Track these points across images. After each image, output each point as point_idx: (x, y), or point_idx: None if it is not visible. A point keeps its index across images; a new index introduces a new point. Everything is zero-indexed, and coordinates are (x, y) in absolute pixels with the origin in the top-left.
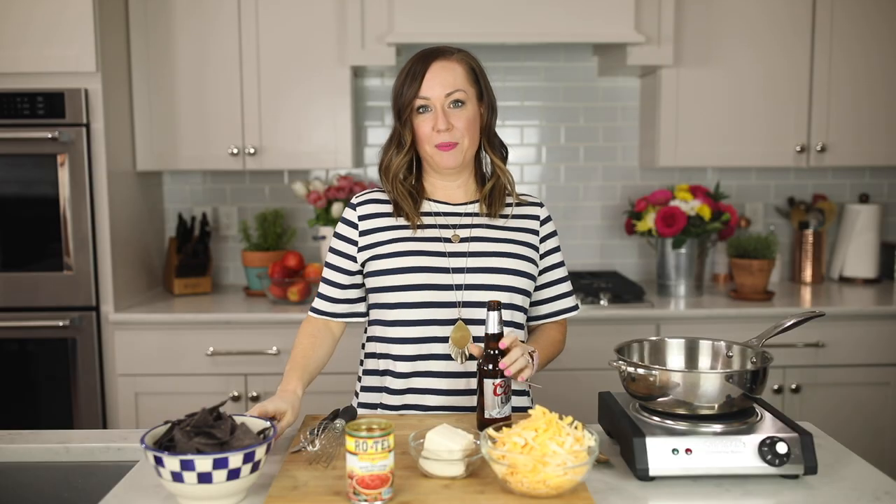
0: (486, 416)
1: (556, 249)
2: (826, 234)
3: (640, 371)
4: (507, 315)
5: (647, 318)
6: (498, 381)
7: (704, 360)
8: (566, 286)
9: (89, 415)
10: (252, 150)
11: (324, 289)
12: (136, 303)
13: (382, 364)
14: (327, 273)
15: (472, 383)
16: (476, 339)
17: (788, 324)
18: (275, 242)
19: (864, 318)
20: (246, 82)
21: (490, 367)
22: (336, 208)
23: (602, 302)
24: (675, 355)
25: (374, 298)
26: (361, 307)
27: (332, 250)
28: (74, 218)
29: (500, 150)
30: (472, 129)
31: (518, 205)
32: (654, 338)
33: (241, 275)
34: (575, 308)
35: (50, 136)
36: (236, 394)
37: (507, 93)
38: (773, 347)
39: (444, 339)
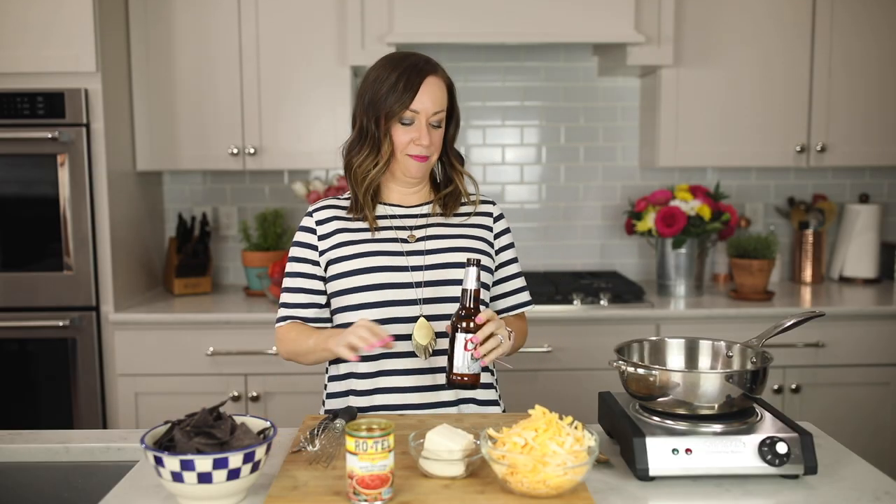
0: (455, 372)
1: (511, 246)
2: (826, 234)
3: (641, 371)
4: None
5: (647, 318)
6: (470, 336)
7: (704, 360)
8: (521, 281)
9: (89, 415)
10: (252, 150)
11: (288, 297)
12: (136, 303)
13: (344, 367)
14: (291, 282)
15: (438, 379)
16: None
17: (788, 324)
18: (275, 242)
19: (864, 318)
20: (246, 82)
21: (464, 323)
22: None
23: (602, 302)
24: (675, 355)
25: (337, 302)
26: (326, 313)
27: (294, 259)
28: (74, 218)
29: (459, 158)
30: (440, 146)
31: (471, 203)
32: (654, 338)
33: (241, 275)
34: (531, 302)
35: (50, 136)
36: (236, 394)
37: (507, 93)
38: (773, 347)
39: (407, 337)
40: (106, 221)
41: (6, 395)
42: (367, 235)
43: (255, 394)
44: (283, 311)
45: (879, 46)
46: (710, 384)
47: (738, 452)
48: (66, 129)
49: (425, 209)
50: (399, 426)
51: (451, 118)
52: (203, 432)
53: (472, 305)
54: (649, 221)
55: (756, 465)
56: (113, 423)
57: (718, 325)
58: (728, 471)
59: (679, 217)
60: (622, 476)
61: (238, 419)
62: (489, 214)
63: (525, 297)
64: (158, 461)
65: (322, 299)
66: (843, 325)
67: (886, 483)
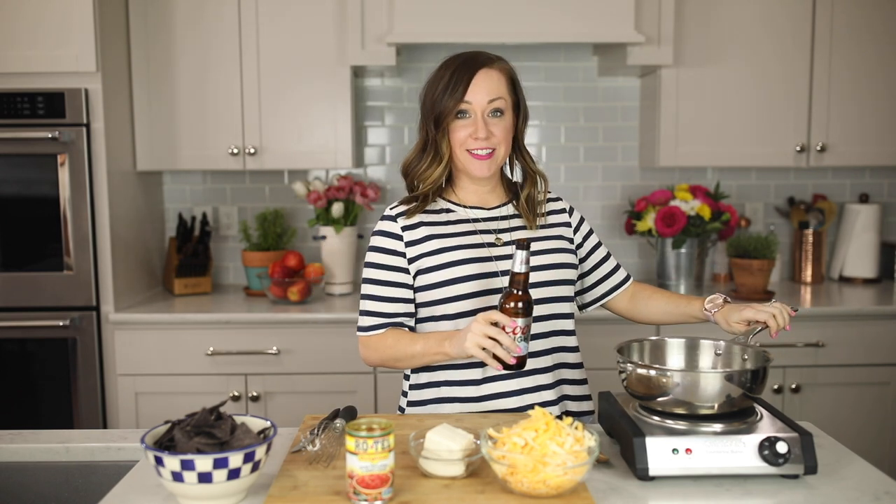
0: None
1: (592, 232)
2: (826, 234)
3: (652, 372)
4: (560, 307)
5: None
6: (520, 321)
7: (705, 360)
8: (615, 261)
9: (89, 415)
10: (252, 150)
11: (376, 305)
12: (136, 303)
13: (441, 375)
14: (377, 289)
15: (540, 379)
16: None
17: (744, 350)
18: (275, 242)
19: (864, 318)
20: (246, 82)
21: (511, 304)
22: (336, 208)
23: None
24: (675, 355)
25: (427, 312)
26: (411, 322)
27: (376, 265)
28: (74, 218)
29: (531, 158)
30: (508, 139)
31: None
32: (654, 337)
33: (241, 275)
34: (630, 276)
35: (50, 136)
36: (236, 394)
37: None
38: (772, 347)
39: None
40: (106, 221)
41: (6, 395)
42: (457, 241)
43: (255, 394)
44: (371, 320)
45: (879, 46)
46: (711, 383)
47: (738, 452)
48: (66, 129)
49: (504, 210)
50: (399, 426)
51: (518, 110)
52: (203, 432)
53: (520, 291)
54: (649, 221)
55: (756, 464)
56: (113, 423)
57: (718, 325)
58: (728, 471)
59: (679, 217)
60: (622, 476)
61: (238, 419)
62: (563, 211)
63: (624, 272)
64: (159, 461)
65: (403, 308)
66: (843, 325)
67: (887, 483)
